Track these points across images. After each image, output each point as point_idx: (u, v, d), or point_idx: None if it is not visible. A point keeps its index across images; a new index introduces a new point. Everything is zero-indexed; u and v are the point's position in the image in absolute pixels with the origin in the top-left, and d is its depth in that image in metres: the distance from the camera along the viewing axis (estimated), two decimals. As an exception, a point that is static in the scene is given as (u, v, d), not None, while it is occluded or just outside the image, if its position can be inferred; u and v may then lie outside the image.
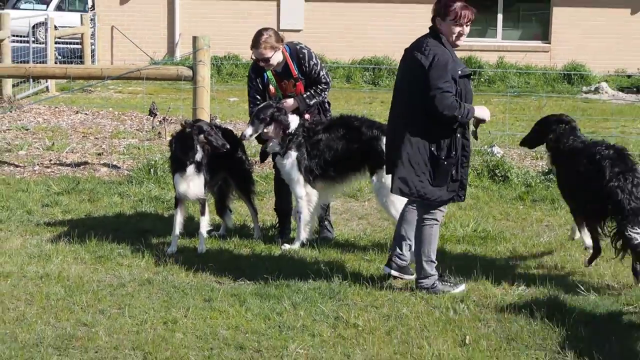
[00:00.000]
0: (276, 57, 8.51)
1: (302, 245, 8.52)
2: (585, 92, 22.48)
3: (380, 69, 23.26)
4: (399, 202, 7.96)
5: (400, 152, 7.03)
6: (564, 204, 9.88)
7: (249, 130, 8.38)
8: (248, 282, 7.52)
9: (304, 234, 8.55)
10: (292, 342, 6.19)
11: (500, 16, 26.17)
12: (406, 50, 7.21)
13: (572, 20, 25.37)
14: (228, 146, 8.31)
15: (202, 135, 8.23)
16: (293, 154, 8.38)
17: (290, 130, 8.35)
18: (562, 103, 20.11)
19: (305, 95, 8.60)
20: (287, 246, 8.49)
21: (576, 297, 7.17)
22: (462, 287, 7.33)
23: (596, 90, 22.42)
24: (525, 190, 10.87)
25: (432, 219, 7.25)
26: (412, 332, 6.40)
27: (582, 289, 7.40)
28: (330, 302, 6.98)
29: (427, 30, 7.21)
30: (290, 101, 8.59)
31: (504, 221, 9.75)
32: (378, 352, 6.06)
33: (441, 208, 7.30)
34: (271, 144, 8.49)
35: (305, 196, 8.48)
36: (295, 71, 8.60)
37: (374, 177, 8.34)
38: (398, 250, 7.43)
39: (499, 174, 11.30)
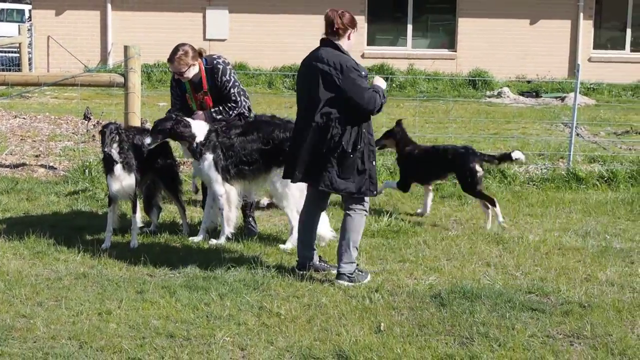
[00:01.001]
0: (191, 71, 8.53)
1: (228, 239, 8.49)
2: (489, 97, 22.79)
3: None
4: (291, 197, 8.27)
5: (310, 147, 7.12)
6: (471, 200, 10.09)
7: (147, 140, 8.35)
8: (178, 274, 7.48)
9: (228, 229, 8.52)
10: (219, 331, 6.17)
11: (410, 26, 26.37)
12: (308, 60, 7.26)
13: (476, 30, 25.69)
14: (148, 143, 8.29)
15: (114, 134, 8.19)
16: (209, 156, 8.36)
17: (200, 138, 8.34)
18: (468, 107, 20.37)
19: (213, 111, 8.61)
20: (213, 241, 8.46)
21: (482, 286, 7.25)
22: (369, 277, 7.39)
23: (499, 95, 22.74)
24: (435, 187, 10.98)
25: (362, 209, 7.32)
26: (331, 320, 6.42)
27: (488, 278, 7.50)
28: (254, 293, 6.97)
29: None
30: (199, 114, 8.62)
31: (415, 216, 9.84)
32: (299, 338, 6.07)
33: (367, 200, 7.37)
34: (184, 151, 8.54)
35: (225, 194, 8.47)
36: (206, 85, 8.59)
37: (279, 171, 8.30)
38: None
39: (409, 173, 11.37)
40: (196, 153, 8.36)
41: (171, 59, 8.49)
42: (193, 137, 8.32)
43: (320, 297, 6.93)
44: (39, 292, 6.95)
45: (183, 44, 8.57)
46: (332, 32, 7.22)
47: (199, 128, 8.38)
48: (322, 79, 7.08)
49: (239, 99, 8.62)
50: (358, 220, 7.31)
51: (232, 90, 8.58)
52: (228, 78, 8.57)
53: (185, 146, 8.42)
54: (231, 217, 8.56)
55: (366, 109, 7.08)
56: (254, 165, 8.47)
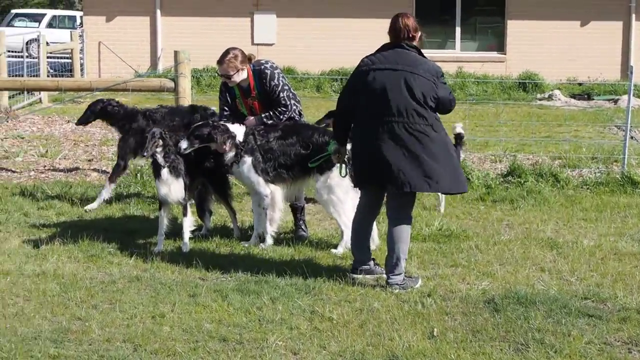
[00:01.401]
0: (239, 76, 8.55)
1: (260, 240, 8.53)
2: (540, 99, 22.59)
3: (347, 79, 23.23)
4: (338, 202, 8.16)
5: (417, 151, 7.00)
6: (523, 203, 10.02)
7: (183, 144, 8.36)
8: (229, 278, 7.50)
9: (270, 229, 8.53)
10: (271, 335, 6.17)
11: (458, 29, 26.25)
12: (392, 65, 7.11)
13: (526, 32, 25.45)
14: (184, 148, 8.31)
15: (156, 138, 8.27)
16: (247, 159, 8.37)
17: (238, 141, 8.35)
18: (518, 109, 20.20)
19: (263, 116, 8.61)
20: (261, 245, 8.49)
21: (536, 291, 7.18)
22: (420, 282, 7.35)
23: (550, 98, 22.54)
24: (486, 191, 10.91)
25: (410, 217, 7.32)
26: (383, 325, 6.39)
27: (543, 283, 7.43)
28: (306, 297, 6.97)
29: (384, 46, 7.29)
30: (251, 119, 8.64)
31: (467, 220, 9.78)
32: (352, 343, 6.05)
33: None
34: (226, 157, 8.48)
35: (270, 194, 8.47)
36: (254, 90, 8.62)
37: (320, 177, 8.31)
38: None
39: (460, 176, 11.29)
40: (235, 156, 8.37)
41: (221, 61, 8.53)
42: (232, 141, 8.33)
43: (372, 301, 6.91)
44: (94, 295, 7.02)
45: (233, 48, 8.61)
46: (409, 37, 7.19)
47: (237, 132, 8.40)
48: (415, 85, 7.01)
49: (288, 102, 8.62)
50: (406, 230, 7.28)
51: (281, 95, 8.58)
52: (277, 82, 8.57)
53: (226, 152, 8.40)
54: (275, 218, 8.57)
55: (449, 111, 7.23)
56: (293, 170, 8.46)
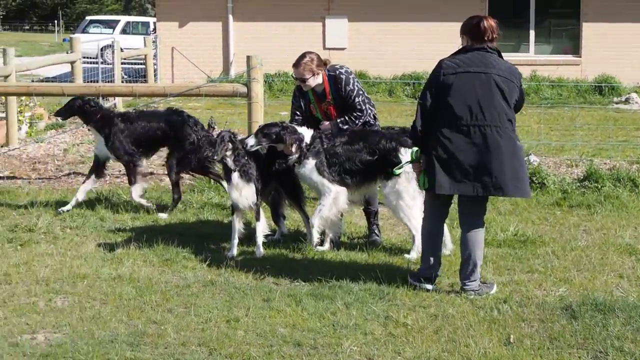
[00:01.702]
0: (314, 80, 8.57)
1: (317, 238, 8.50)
2: (616, 103, 22.25)
3: (420, 83, 23.20)
4: (406, 207, 8.11)
5: (509, 156, 6.95)
6: (600, 209, 9.86)
7: (250, 141, 8.41)
8: (303, 283, 7.51)
9: (318, 222, 8.42)
10: (346, 340, 6.17)
11: (532, 32, 26.01)
12: (479, 69, 7.04)
13: (601, 34, 25.11)
14: (251, 145, 8.35)
15: (226, 142, 8.34)
16: (311, 161, 8.35)
17: (305, 144, 8.34)
18: (594, 113, 19.91)
19: (339, 121, 8.60)
20: (318, 247, 8.48)
21: (615, 298, 7.05)
22: (495, 288, 7.27)
23: (627, 101, 22.18)
24: (562, 196, 10.76)
25: (484, 222, 7.27)
26: (458, 331, 6.34)
27: (621, 290, 7.30)
28: (380, 302, 6.95)
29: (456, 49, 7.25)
30: (326, 124, 8.63)
31: (543, 226, 9.65)
32: (427, 349, 6.01)
33: None
34: (291, 159, 8.46)
35: (334, 193, 8.38)
36: (329, 95, 8.61)
37: (388, 183, 8.26)
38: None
39: (536, 181, 11.16)
40: (299, 158, 8.39)
41: (297, 64, 8.55)
42: (299, 143, 8.33)
43: (447, 307, 6.86)
44: (169, 298, 7.09)
45: (310, 52, 8.64)
46: (490, 40, 7.13)
47: (305, 135, 8.40)
48: (504, 88, 6.99)
49: (363, 107, 8.60)
50: (481, 235, 7.21)
51: (356, 99, 8.57)
52: (352, 87, 8.56)
53: (293, 153, 8.40)
54: (328, 216, 8.45)
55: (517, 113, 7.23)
56: (358, 176, 8.42)
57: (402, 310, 6.79)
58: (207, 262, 8.09)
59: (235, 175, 8.35)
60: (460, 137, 6.96)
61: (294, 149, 8.30)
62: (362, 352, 5.99)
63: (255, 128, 10.43)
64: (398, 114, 18.93)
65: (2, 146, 14.65)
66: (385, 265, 8.00)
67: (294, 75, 8.70)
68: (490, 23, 7.12)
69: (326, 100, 8.64)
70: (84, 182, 10.50)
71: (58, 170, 12.77)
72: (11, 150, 14.29)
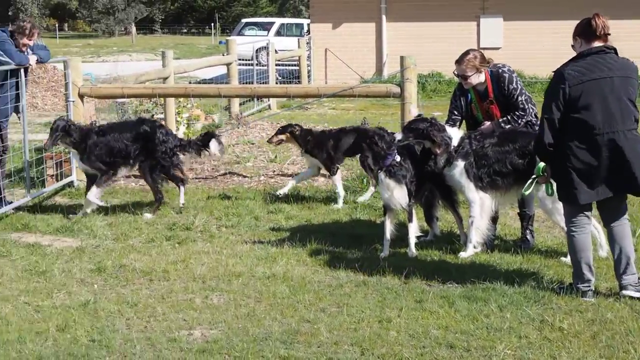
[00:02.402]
0: (476, 78, 8.47)
1: (474, 248, 8.38)
2: None
3: (548, 94, 22.67)
4: (562, 210, 7.81)
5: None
6: None
7: (398, 136, 8.41)
8: (456, 285, 7.47)
9: (475, 239, 8.36)
10: (499, 343, 6.10)
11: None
12: (614, 72, 6.89)
13: None
14: (398, 139, 8.37)
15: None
16: (460, 163, 8.26)
17: (453, 144, 8.26)
18: None
19: (501, 120, 8.48)
20: (462, 254, 8.37)
21: None
22: None
23: None
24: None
25: (627, 216, 7.15)
26: (617, 337, 6.18)
27: None
28: (535, 306, 6.84)
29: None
30: (487, 124, 8.53)
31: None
32: (584, 355, 5.89)
33: None
34: (439, 160, 8.36)
35: (479, 200, 8.33)
36: (492, 93, 8.51)
37: (542, 187, 8.05)
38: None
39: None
40: (449, 159, 8.31)
41: (460, 61, 8.49)
42: (447, 142, 8.26)
43: (605, 312, 6.69)
44: (322, 298, 7.17)
45: (474, 49, 8.62)
46: (603, 36, 6.98)
47: (453, 134, 8.33)
48: (627, 89, 6.87)
49: (526, 106, 8.47)
50: (627, 226, 7.05)
51: (519, 99, 8.45)
52: (515, 86, 8.45)
53: (441, 153, 8.34)
54: (481, 227, 8.38)
55: None
56: (508, 178, 8.28)
57: (557, 314, 6.66)
58: (359, 262, 8.13)
59: (382, 175, 8.38)
60: (595, 146, 6.82)
61: (441, 149, 8.25)
62: (516, 356, 5.91)
63: (408, 129, 10.48)
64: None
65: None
66: (541, 269, 7.86)
67: (455, 72, 8.61)
68: (601, 19, 6.94)
69: (488, 99, 8.55)
70: (86, 193, 10.52)
71: (214, 170, 13.09)
72: (170, 150, 14.75)
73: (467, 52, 8.50)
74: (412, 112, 10.10)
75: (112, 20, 76.40)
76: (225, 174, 12.82)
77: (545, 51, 24.78)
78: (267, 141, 11.79)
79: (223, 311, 6.90)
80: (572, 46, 7.14)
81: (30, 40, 10.84)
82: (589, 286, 7.10)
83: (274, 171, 12.80)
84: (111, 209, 10.37)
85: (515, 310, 6.74)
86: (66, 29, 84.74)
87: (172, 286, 7.57)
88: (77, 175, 11.79)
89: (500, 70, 8.50)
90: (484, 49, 24.54)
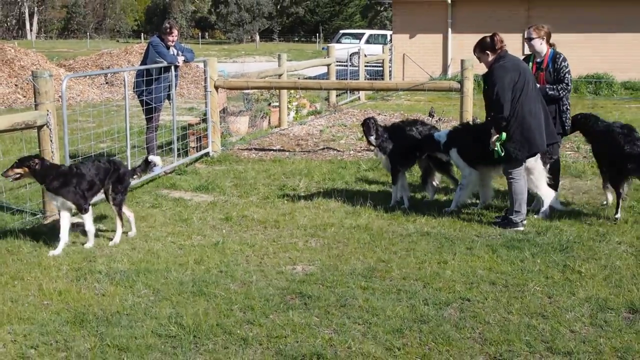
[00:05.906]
0: (538, 44, 8.27)
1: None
2: None
3: (600, 82, 22.05)
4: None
5: None
6: None
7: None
8: (499, 236, 7.40)
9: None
10: (531, 282, 6.06)
11: None
12: None
13: None
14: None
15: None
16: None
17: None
18: None
19: (547, 87, 8.22)
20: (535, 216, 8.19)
21: None
22: None
23: None
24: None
25: None
26: (624, 279, 6.05)
27: None
28: (559, 254, 6.75)
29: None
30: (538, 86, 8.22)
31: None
32: (597, 292, 5.79)
33: None
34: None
35: (469, 175, 8.26)
36: (546, 62, 8.30)
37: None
38: None
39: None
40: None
41: (530, 26, 8.39)
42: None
43: (615, 260, 6.57)
44: (394, 244, 7.19)
45: (545, 25, 8.40)
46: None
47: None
48: None
49: (570, 85, 8.27)
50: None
51: (566, 76, 8.22)
52: (565, 65, 8.24)
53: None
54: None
55: None
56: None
57: (577, 260, 6.57)
58: (425, 217, 8.12)
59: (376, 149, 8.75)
60: None
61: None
62: (544, 292, 5.86)
63: (465, 116, 10.41)
64: (581, 107, 18.06)
65: (276, 127, 15.30)
66: (564, 225, 7.73)
67: (525, 35, 8.43)
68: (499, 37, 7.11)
69: (542, 67, 8.34)
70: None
71: (315, 145, 13.17)
72: (282, 130, 14.91)
73: (539, 24, 8.37)
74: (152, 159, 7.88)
75: (242, 31, 77.07)
76: (323, 148, 12.88)
77: (573, 54, 24.05)
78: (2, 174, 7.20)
79: (319, 252, 6.98)
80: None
81: (170, 36, 10.74)
82: (523, 219, 7.56)
83: (361, 147, 12.80)
84: (235, 175, 10.53)
85: (544, 257, 6.67)
86: (207, 37, 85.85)
87: (281, 232, 7.68)
88: (211, 147, 12.01)
89: (558, 53, 8.33)
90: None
